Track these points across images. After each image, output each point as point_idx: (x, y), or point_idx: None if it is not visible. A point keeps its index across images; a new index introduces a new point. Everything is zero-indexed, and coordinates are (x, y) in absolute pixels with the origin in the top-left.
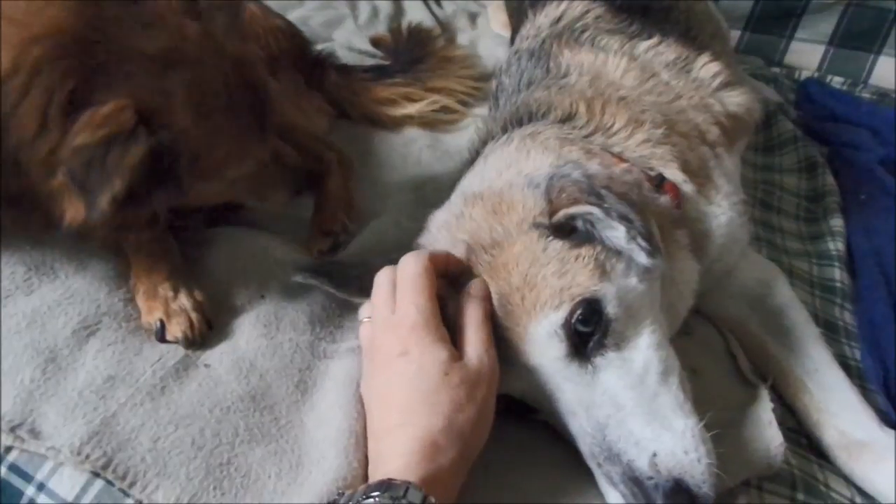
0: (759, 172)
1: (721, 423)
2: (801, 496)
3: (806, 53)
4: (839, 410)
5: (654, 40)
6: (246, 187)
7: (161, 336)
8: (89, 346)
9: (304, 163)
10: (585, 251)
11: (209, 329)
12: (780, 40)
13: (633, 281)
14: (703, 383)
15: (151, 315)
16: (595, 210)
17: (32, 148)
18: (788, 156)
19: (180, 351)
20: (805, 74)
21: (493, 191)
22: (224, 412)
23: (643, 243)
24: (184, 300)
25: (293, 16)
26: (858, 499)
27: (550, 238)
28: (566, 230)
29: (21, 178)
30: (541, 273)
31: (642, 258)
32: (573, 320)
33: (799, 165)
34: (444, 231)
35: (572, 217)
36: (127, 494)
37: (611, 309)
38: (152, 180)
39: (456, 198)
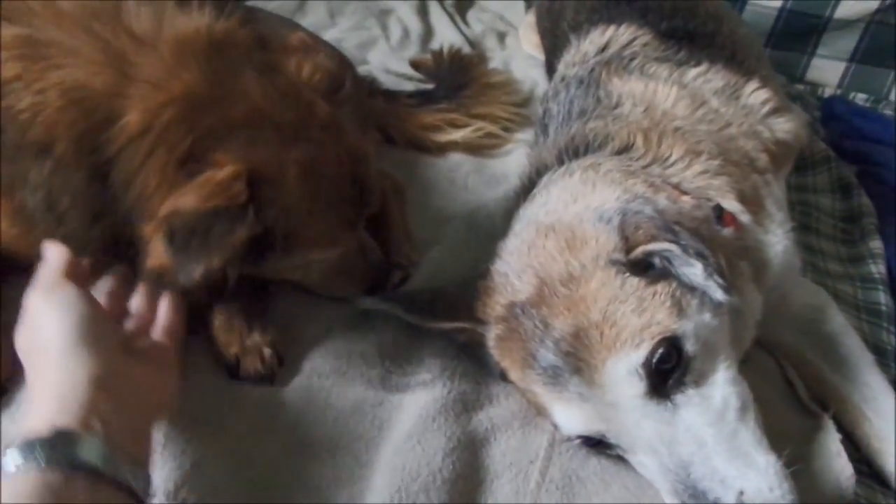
0: (794, 193)
1: (782, 450)
2: None
3: (827, 70)
4: None
5: (703, 67)
6: (322, 274)
7: (234, 372)
8: None
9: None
10: (662, 288)
11: (280, 365)
12: (801, 56)
13: (707, 316)
14: (765, 411)
15: (228, 350)
16: (673, 247)
17: (150, 202)
18: (822, 176)
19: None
20: (827, 91)
21: (564, 224)
22: (307, 458)
23: (719, 280)
24: (257, 336)
25: (326, 38)
26: None
27: (627, 275)
28: (642, 266)
29: (125, 227)
30: (620, 310)
31: (719, 294)
32: (654, 359)
33: (832, 186)
34: (514, 257)
35: (650, 254)
36: None
37: (690, 346)
38: (247, 257)
39: (525, 227)
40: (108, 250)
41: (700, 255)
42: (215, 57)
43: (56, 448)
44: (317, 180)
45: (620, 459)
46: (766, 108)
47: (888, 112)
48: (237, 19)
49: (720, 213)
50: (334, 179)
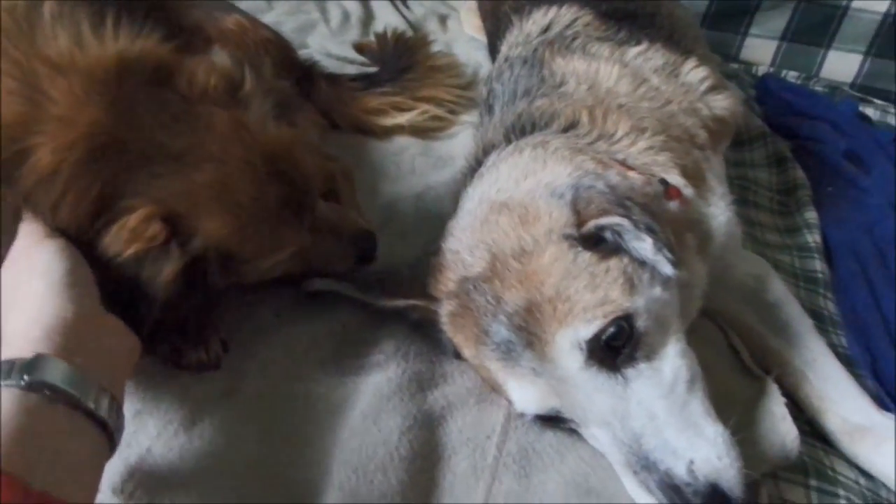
0: (732, 168)
1: (730, 416)
2: (814, 482)
3: (760, 49)
4: (839, 398)
5: (643, 46)
6: (299, 263)
7: (177, 362)
8: None
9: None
10: (614, 264)
11: (225, 352)
12: (735, 37)
13: (657, 291)
14: (712, 378)
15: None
16: (624, 222)
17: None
18: (758, 151)
19: (208, 380)
20: (761, 69)
21: (516, 200)
22: (257, 443)
23: (668, 254)
24: None
25: (264, 20)
26: (862, 480)
27: (580, 249)
28: (593, 241)
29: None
30: (573, 286)
31: (667, 269)
32: (604, 336)
33: (769, 160)
34: (467, 234)
35: (602, 228)
36: None
37: (641, 322)
38: (191, 286)
39: (477, 204)
40: None
41: (650, 230)
42: (118, 87)
43: (36, 371)
44: (230, 196)
45: (574, 432)
46: (704, 86)
47: (817, 88)
48: (156, 37)
49: (666, 187)
50: (252, 188)
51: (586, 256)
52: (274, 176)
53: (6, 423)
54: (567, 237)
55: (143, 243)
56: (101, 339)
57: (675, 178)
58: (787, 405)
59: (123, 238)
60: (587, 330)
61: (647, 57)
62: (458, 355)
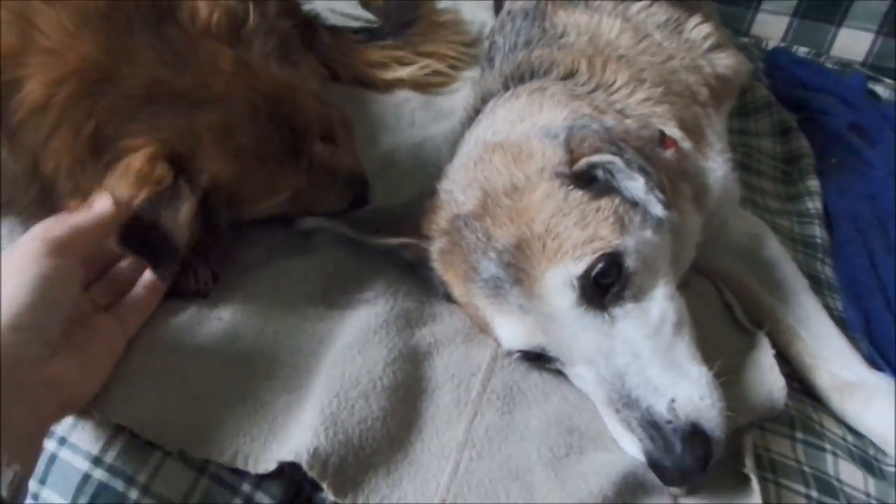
0: (737, 136)
1: (724, 369)
2: (799, 434)
3: (771, 24)
4: (830, 355)
5: (646, 1)
6: (294, 204)
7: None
8: None
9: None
10: (605, 203)
11: (215, 282)
12: (746, 12)
13: (649, 233)
14: (703, 333)
15: None
16: (616, 160)
17: (69, 180)
18: (763, 121)
19: (193, 304)
20: (771, 45)
21: (511, 141)
22: (242, 366)
23: (660, 195)
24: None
25: None
26: (849, 437)
27: (571, 187)
28: (585, 179)
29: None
30: (563, 223)
31: (658, 210)
32: (593, 272)
33: (774, 130)
34: (460, 174)
35: (593, 166)
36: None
37: (630, 262)
38: (207, 223)
39: (472, 146)
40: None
41: (642, 170)
42: (109, 20)
43: None
44: (233, 137)
45: (561, 374)
46: (708, 43)
47: (828, 65)
48: None
49: (662, 138)
50: (255, 131)
51: (578, 195)
52: (275, 118)
53: None
54: (559, 175)
55: (153, 186)
56: (32, 395)
57: (672, 130)
58: (777, 359)
59: (130, 181)
60: (577, 267)
61: (650, 12)
62: (448, 297)
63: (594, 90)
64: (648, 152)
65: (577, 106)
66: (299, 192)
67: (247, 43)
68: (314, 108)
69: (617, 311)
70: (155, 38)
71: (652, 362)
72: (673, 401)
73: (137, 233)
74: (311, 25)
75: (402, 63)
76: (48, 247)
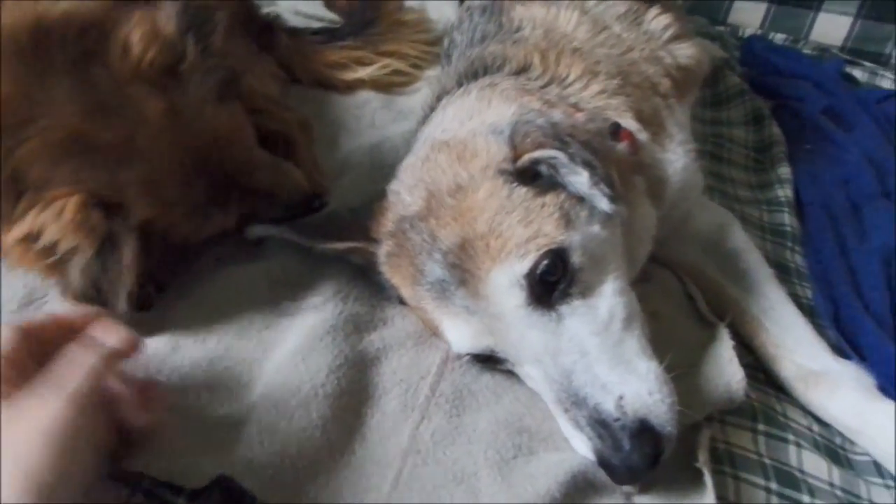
0: (709, 126)
1: (683, 362)
2: (761, 426)
3: (748, 11)
4: (795, 345)
5: None
6: (234, 227)
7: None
8: None
9: (266, 128)
10: (550, 199)
11: (159, 292)
12: (722, 0)
13: (596, 228)
14: (664, 326)
15: None
16: (559, 154)
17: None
18: (736, 109)
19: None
20: (748, 32)
21: (458, 139)
22: (182, 378)
23: (605, 189)
24: None
25: None
26: (815, 426)
27: (515, 184)
28: (530, 175)
29: None
30: (506, 221)
31: (604, 204)
32: (538, 270)
33: (746, 118)
34: (408, 174)
35: (536, 161)
36: None
37: (576, 258)
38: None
39: (422, 144)
40: None
41: (587, 164)
42: (29, 61)
43: None
44: (160, 192)
45: (514, 374)
46: (668, 34)
47: (806, 51)
48: None
49: (616, 130)
50: (182, 183)
51: (522, 192)
52: (203, 169)
53: None
54: (503, 172)
55: (90, 232)
56: None
57: (628, 122)
58: (738, 349)
59: (65, 227)
60: (521, 265)
61: (609, 4)
62: (402, 300)
63: (547, 84)
64: (596, 145)
65: (527, 101)
66: (232, 226)
67: (184, 82)
68: (250, 149)
69: (564, 308)
70: (79, 82)
71: (600, 359)
72: (621, 398)
73: (89, 289)
74: (269, 28)
75: (362, 63)
76: None
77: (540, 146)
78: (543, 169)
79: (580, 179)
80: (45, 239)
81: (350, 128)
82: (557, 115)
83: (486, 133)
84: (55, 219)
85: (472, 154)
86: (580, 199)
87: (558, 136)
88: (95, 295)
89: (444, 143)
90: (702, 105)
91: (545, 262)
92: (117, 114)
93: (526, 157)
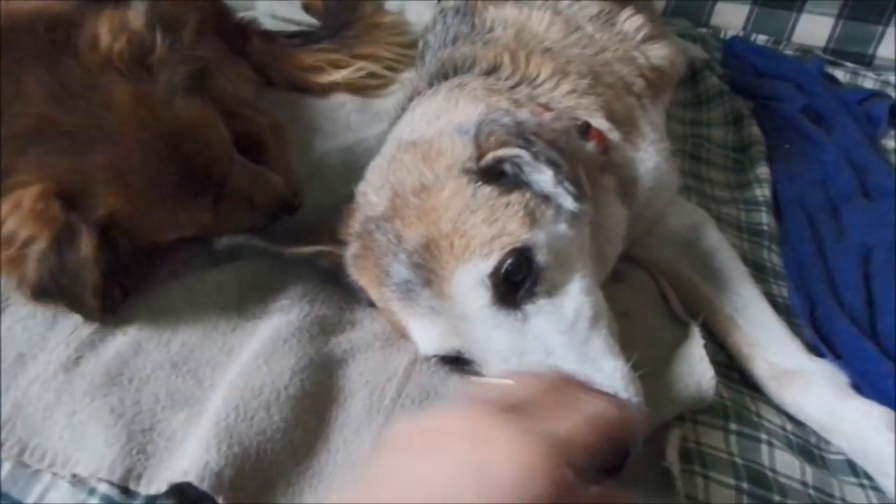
0: (688, 127)
1: (654, 361)
2: (734, 426)
3: (731, 13)
4: (768, 343)
5: None
6: (206, 230)
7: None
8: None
9: (238, 131)
10: (515, 198)
11: (124, 296)
12: (705, 2)
13: (562, 227)
14: (637, 325)
15: None
16: (523, 153)
17: None
18: (715, 110)
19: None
20: (731, 34)
21: (424, 139)
22: (143, 381)
23: (570, 187)
24: None
25: None
26: (789, 425)
27: (479, 184)
28: (495, 174)
29: None
30: (471, 220)
31: (569, 202)
32: (503, 269)
33: (726, 119)
34: (375, 175)
35: (500, 160)
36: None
37: (541, 257)
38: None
39: (390, 145)
40: None
41: (551, 163)
42: (2, 52)
43: None
44: (127, 179)
45: (481, 376)
46: (641, 35)
47: (788, 52)
48: None
49: (587, 129)
50: (149, 171)
51: (486, 190)
52: (175, 157)
53: None
54: (467, 171)
55: (49, 225)
56: None
57: (599, 122)
58: (711, 349)
59: (25, 220)
60: (486, 264)
61: (581, 5)
62: (371, 302)
63: (517, 84)
64: (562, 144)
65: (496, 101)
66: (206, 226)
67: (152, 73)
68: (224, 143)
69: (529, 307)
70: (47, 72)
71: (565, 358)
72: None
73: (48, 282)
74: (243, 31)
75: (337, 66)
76: None
77: (504, 144)
78: (508, 168)
79: (544, 178)
80: (4, 230)
81: (325, 130)
82: (524, 114)
83: (452, 132)
84: (13, 209)
85: (437, 153)
86: (546, 198)
87: (523, 135)
88: (55, 289)
89: (410, 144)
90: (681, 106)
91: (509, 260)
92: (85, 99)
93: (490, 156)
